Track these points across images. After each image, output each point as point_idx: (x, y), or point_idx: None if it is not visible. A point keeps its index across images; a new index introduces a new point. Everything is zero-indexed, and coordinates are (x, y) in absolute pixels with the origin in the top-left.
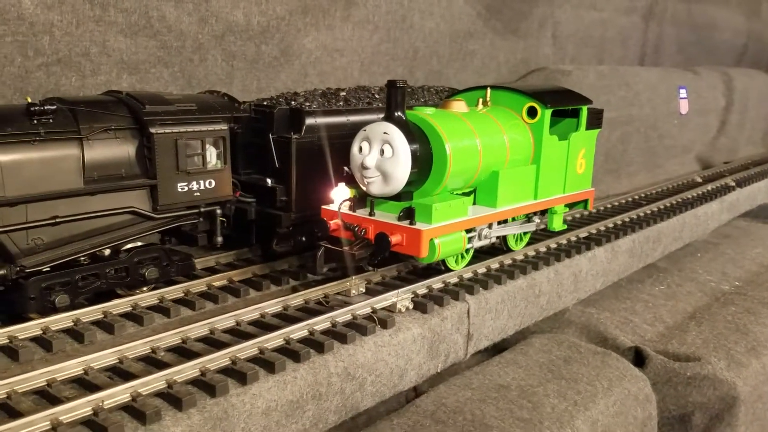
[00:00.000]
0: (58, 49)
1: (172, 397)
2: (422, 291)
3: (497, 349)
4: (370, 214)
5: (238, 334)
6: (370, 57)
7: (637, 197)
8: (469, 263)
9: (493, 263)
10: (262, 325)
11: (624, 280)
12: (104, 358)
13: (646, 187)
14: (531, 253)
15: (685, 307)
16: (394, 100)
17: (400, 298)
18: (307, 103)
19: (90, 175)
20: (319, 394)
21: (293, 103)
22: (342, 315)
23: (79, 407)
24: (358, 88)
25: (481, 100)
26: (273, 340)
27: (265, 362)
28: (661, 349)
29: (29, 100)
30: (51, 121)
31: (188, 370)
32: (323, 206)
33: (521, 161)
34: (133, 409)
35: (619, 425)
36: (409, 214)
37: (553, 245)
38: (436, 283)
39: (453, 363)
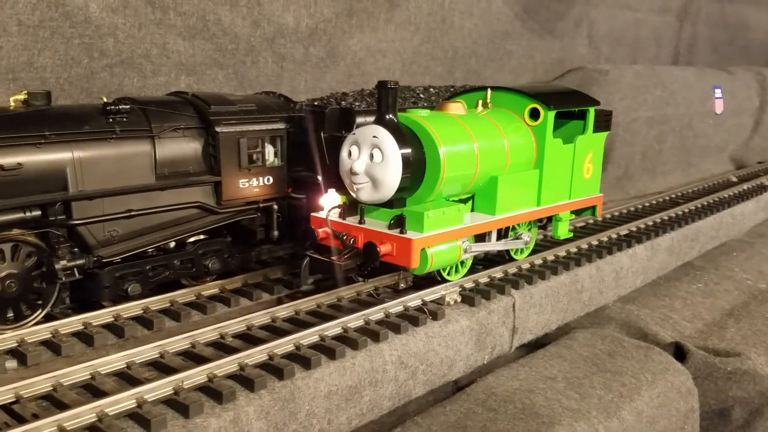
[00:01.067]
0: (122, 50)
1: (244, 379)
2: (469, 285)
3: (538, 344)
4: (360, 222)
5: (297, 322)
6: (411, 57)
7: (673, 196)
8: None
9: (537, 259)
10: (319, 315)
11: (662, 278)
12: (176, 343)
13: (682, 186)
14: (573, 249)
15: (723, 305)
16: (385, 102)
17: (449, 291)
18: (357, 103)
19: (161, 171)
20: (375, 380)
21: (343, 102)
22: (394, 306)
23: (160, 387)
24: (403, 88)
25: (480, 102)
26: (332, 328)
27: (326, 349)
28: (701, 345)
29: (105, 100)
30: (125, 120)
31: (256, 354)
32: (312, 213)
33: (523, 166)
34: (209, 389)
35: (663, 417)
36: (399, 223)
37: (595, 242)
38: (482, 277)
39: (498, 355)
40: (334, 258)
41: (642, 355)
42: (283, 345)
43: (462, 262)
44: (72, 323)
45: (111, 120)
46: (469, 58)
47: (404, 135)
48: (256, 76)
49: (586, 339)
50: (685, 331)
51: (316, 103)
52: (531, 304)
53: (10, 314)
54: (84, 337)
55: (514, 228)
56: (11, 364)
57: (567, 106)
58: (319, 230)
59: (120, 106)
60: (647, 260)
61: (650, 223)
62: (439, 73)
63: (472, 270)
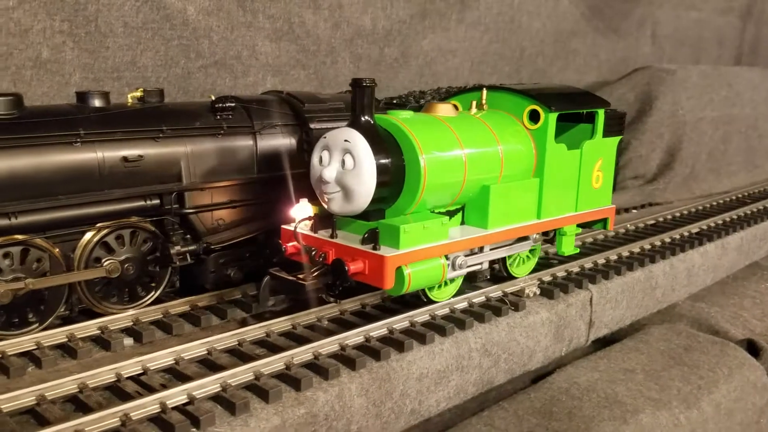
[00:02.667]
0: (215, 52)
1: (346, 359)
2: (547, 278)
3: (611, 339)
4: (332, 236)
5: (385, 309)
6: (480, 57)
7: (740, 196)
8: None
9: (612, 254)
10: (404, 303)
11: (730, 277)
12: (280, 323)
13: (747, 187)
14: (647, 246)
15: None
16: (360, 102)
17: (528, 284)
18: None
19: (261, 165)
20: (461, 366)
21: (422, 101)
22: (476, 297)
23: (273, 363)
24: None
25: (474, 104)
26: (420, 315)
27: (416, 334)
28: None
29: (213, 98)
30: (231, 116)
31: (353, 336)
32: (282, 226)
33: (520, 174)
34: (316, 366)
35: (740, 410)
36: (372, 237)
37: (667, 239)
38: (559, 271)
39: (575, 348)
40: (299, 276)
41: (717, 350)
42: (377, 329)
43: (450, 280)
44: (180, 304)
45: (219, 117)
46: (536, 57)
47: (380, 139)
48: (335, 76)
49: (662, 334)
50: (755, 329)
51: (395, 101)
52: (607, 299)
53: (126, 296)
54: (191, 318)
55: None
56: (128, 341)
57: (571, 107)
58: (288, 245)
59: (227, 104)
60: (717, 259)
61: (720, 222)
62: (507, 72)
63: (540, 268)
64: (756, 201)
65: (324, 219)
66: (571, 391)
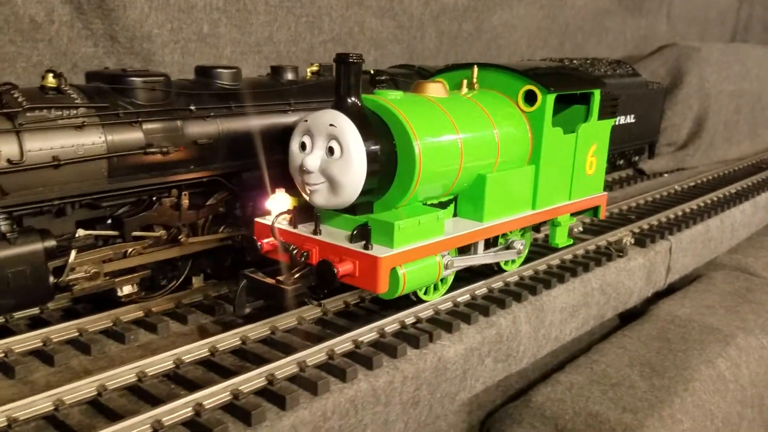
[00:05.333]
0: (333, 28)
1: (512, 293)
2: (635, 229)
3: (674, 286)
4: (315, 232)
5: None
6: (534, 32)
7: (755, 161)
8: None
9: (679, 210)
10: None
11: (755, 233)
12: None
13: (756, 154)
14: (701, 203)
15: None
16: (346, 81)
17: (625, 234)
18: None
19: None
20: (586, 302)
21: None
22: (587, 246)
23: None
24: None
25: (465, 82)
26: (552, 259)
27: (555, 274)
28: None
29: (372, 71)
30: (385, 87)
31: (509, 276)
32: (256, 219)
33: (516, 161)
34: (493, 299)
35: None
36: (363, 235)
37: (714, 198)
38: (644, 224)
39: (656, 291)
40: (279, 279)
41: None
42: (528, 269)
43: (442, 279)
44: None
45: (377, 87)
46: (577, 32)
47: (370, 123)
48: (422, 50)
49: (723, 278)
50: None
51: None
52: (680, 248)
53: None
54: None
55: (504, 235)
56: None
57: (569, 88)
58: (264, 241)
59: (382, 77)
60: (751, 216)
61: (750, 184)
62: (554, 46)
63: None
64: None
65: (303, 212)
66: (675, 321)
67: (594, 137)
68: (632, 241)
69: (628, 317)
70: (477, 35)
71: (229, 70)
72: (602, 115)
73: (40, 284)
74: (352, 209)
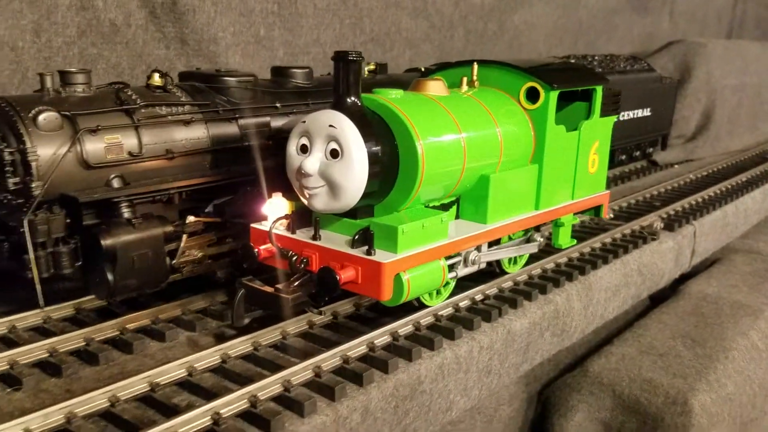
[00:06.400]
0: (373, 29)
1: (565, 272)
2: (663, 215)
3: (695, 269)
4: (314, 238)
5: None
6: (551, 30)
7: (760, 151)
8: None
9: (698, 197)
10: (587, 231)
11: (763, 219)
12: None
13: (758, 145)
14: (718, 191)
15: None
16: (345, 80)
17: (654, 219)
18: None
19: None
20: (627, 282)
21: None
22: (623, 230)
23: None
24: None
25: (465, 80)
26: (595, 242)
27: (600, 257)
28: None
29: (423, 69)
30: None
31: (560, 258)
32: (252, 225)
33: (519, 161)
34: (541, 282)
35: None
36: (365, 240)
37: (729, 186)
38: (670, 210)
39: (682, 273)
40: (278, 287)
41: None
42: (573, 252)
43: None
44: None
45: None
46: (589, 30)
47: (370, 124)
48: (451, 49)
49: (742, 260)
50: None
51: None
52: (703, 233)
53: None
54: None
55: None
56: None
57: (572, 84)
58: (261, 248)
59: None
60: (761, 202)
61: (758, 173)
62: (567, 44)
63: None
64: None
65: (302, 217)
66: (706, 299)
67: (596, 135)
68: (662, 225)
69: (657, 299)
70: (500, 34)
71: (302, 70)
72: (604, 112)
73: (159, 266)
74: (352, 213)
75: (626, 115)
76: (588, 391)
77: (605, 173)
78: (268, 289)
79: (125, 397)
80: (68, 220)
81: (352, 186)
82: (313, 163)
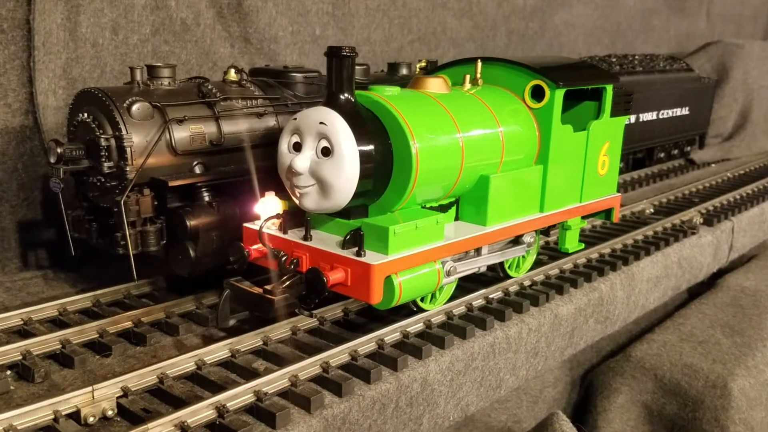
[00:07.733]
0: (420, 29)
1: (608, 262)
2: (702, 210)
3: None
4: (305, 238)
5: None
6: (590, 31)
7: None
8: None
9: (736, 194)
10: (629, 225)
11: None
12: None
13: None
14: (755, 189)
15: None
16: (338, 76)
17: (694, 215)
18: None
19: None
20: (667, 274)
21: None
22: (664, 223)
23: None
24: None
25: (468, 78)
26: (637, 235)
27: (643, 248)
28: None
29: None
30: None
31: (605, 248)
32: (245, 224)
33: (522, 161)
34: (585, 271)
35: None
36: (356, 241)
37: (765, 185)
38: (709, 206)
39: (720, 267)
40: (267, 288)
41: None
42: (616, 243)
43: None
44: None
45: None
46: (627, 30)
47: (363, 121)
48: (493, 48)
49: None
50: None
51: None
52: (740, 229)
53: None
54: None
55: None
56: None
57: (579, 83)
58: (252, 248)
59: None
60: None
61: None
62: (605, 44)
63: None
64: None
65: (295, 216)
66: (744, 291)
67: (606, 135)
68: (701, 220)
69: (695, 293)
70: (541, 33)
71: (360, 67)
72: (615, 112)
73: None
74: (346, 213)
75: (665, 114)
76: (630, 375)
77: (616, 175)
78: (256, 290)
79: (210, 361)
80: (155, 203)
81: (343, 185)
82: (303, 161)
